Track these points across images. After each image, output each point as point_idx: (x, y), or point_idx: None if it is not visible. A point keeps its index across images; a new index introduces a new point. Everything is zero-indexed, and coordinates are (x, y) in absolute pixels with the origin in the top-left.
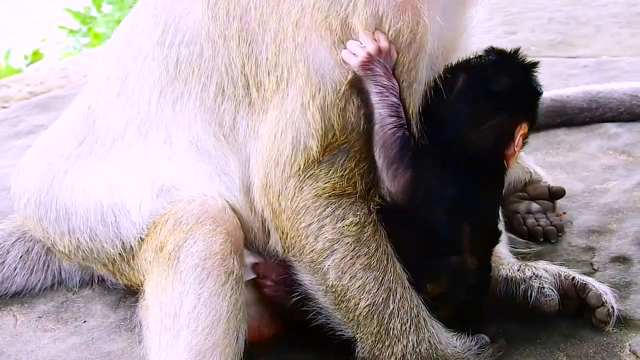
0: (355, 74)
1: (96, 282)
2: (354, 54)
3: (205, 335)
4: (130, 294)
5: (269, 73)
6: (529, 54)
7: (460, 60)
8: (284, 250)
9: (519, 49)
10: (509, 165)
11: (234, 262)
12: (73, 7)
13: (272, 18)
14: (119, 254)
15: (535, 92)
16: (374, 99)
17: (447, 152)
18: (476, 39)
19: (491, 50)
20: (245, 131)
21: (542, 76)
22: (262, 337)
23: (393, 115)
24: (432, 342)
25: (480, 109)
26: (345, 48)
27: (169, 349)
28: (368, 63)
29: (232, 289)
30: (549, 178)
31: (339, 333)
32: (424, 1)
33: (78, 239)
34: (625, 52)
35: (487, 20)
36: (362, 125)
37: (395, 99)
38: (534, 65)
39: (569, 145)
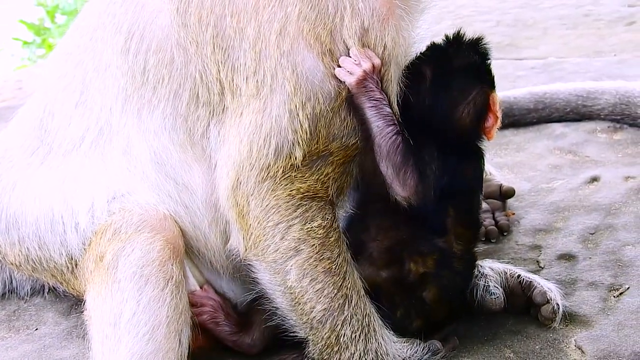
0: (349, 90)
1: (47, 290)
2: (350, 72)
3: (146, 341)
4: (82, 301)
5: (247, 78)
6: None
7: (417, 55)
8: (245, 250)
9: (459, 30)
10: (490, 136)
11: (173, 268)
12: (27, 19)
13: (250, 25)
14: (65, 263)
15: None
16: (370, 112)
17: (435, 141)
18: (427, 43)
19: (439, 41)
20: (216, 139)
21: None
22: (209, 344)
23: (390, 125)
24: (379, 353)
25: (456, 89)
26: (335, 60)
27: (111, 356)
28: (363, 80)
29: (171, 294)
30: (502, 178)
31: (292, 334)
32: (403, 14)
33: (27, 248)
34: (572, 53)
35: (435, 23)
36: (343, 136)
37: (388, 109)
38: (481, 39)
39: (516, 145)
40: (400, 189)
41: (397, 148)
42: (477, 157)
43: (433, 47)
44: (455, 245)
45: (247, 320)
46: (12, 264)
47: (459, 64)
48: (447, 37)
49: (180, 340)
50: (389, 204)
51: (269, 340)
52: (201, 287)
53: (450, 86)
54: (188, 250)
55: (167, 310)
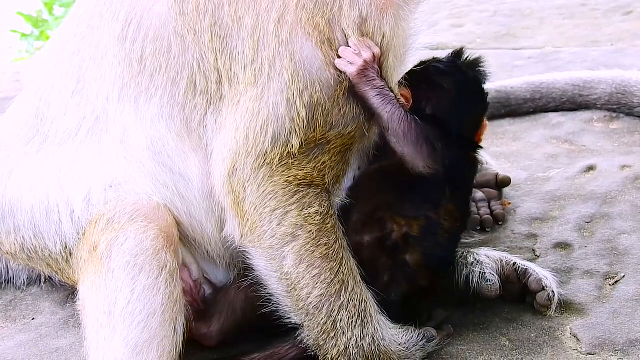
0: (350, 80)
1: (44, 280)
2: (350, 62)
3: (141, 329)
4: (77, 290)
5: (245, 67)
6: (475, 47)
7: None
8: (241, 237)
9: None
10: (480, 138)
11: (166, 256)
12: (25, 11)
13: (248, 14)
14: (60, 252)
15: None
16: (376, 100)
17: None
18: (423, 35)
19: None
20: (213, 127)
21: (488, 68)
22: None
23: (398, 108)
24: (375, 338)
25: (469, 104)
26: (334, 48)
27: (106, 345)
28: (364, 70)
29: (166, 282)
30: (499, 167)
31: (286, 320)
32: (402, 4)
33: (23, 237)
34: (569, 43)
35: (432, 14)
36: (340, 124)
37: (392, 94)
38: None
39: (513, 135)
40: (421, 161)
41: (410, 127)
42: (475, 151)
43: (449, 66)
44: (442, 220)
45: (209, 311)
46: (7, 253)
47: (479, 86)
48: (461, 59)
49: (175, 328)
50: (383, 169)
51: (227, 335)
52: None
53: (462, 106)
54: (184, 241)
55: (161, 299)
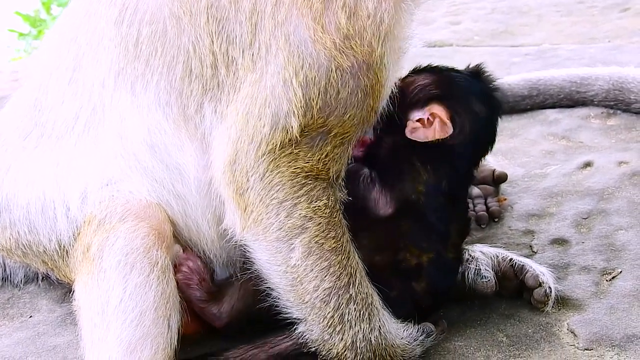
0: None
1: (41, 277)
2: None
3: (134, 327)
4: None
5: (243, 51)
6: (472, 44)
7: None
8: (242, 230)
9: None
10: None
11: (158, 253)
12: (23, 11)
13: None
14: (55, 248)
15: None
16: None
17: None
18: (420, 34)
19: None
20: (212, 115)
21: (485, 65)
22: (200, 329)
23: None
24: (382, 332)
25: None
26: (326, 31)
27: (100, 345)
28: None
29: (157, 279)
30: (495, 163)
31: (284, 315)
32: None
33: (18, 232)
34: (566, 40)
35: (430, 11)
36: (338, 108)
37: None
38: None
39: (510, 131)
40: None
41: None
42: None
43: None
44: (448, 252)
45: (220, 292)
46: (3, 248)
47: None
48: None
49: (169, 324)
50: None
51: (236, 316)
52: (184, 251)
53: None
54: (180, 242)
55: (153, 296)
